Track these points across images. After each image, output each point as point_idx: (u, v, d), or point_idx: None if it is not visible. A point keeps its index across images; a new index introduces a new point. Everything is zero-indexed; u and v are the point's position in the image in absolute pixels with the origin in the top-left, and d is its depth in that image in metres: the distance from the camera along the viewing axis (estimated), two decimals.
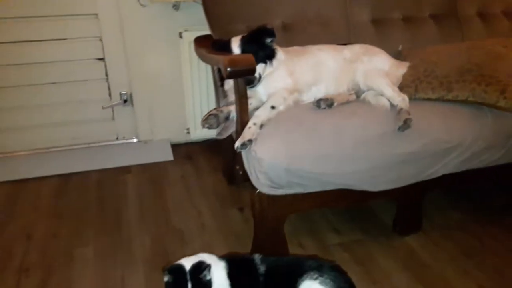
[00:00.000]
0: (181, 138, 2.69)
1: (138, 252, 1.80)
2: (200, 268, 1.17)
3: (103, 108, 2.56)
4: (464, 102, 1.68)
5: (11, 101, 2.42)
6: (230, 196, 2.22)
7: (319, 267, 1.22)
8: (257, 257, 1.27)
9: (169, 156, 2.57)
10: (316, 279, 1.20)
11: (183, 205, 2.13)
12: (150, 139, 2.68)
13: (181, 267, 1.17)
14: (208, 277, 1.18)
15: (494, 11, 2.35)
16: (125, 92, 2.55)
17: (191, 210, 2.09)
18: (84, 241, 1.86)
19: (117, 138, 2.67)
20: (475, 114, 1.69)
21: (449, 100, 1.70)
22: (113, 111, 2.60)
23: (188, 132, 2.61)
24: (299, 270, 1.22)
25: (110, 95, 2.55)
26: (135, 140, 2.69)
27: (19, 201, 2.15)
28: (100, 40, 2.40)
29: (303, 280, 1.20)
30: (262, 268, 1.24)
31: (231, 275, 1.22)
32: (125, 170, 2.44)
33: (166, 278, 1.17)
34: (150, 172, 2.42)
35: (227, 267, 1.24)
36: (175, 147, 2.67)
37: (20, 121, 2.48)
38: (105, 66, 2.47)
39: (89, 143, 2.63)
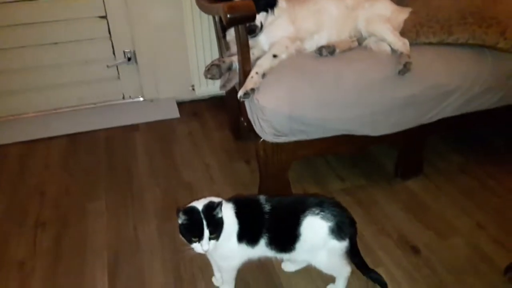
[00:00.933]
0: (187, 95, 2.72)
1: (149, 204, 1.88)
2: (213, 206, 1.22)
3: (107, 67, 2.57)
4: (465, 44, 1.69)
5: (14, 63, 2.44)
6: (236, 150, 2.27)
7: (320, 203, 1.28)
8: (262, 197, 1.32)
9: (176, 114, 2.61)
10: (317, 214, 1.26)
11: (191, 160, 2.19)
12: (156, 97, 2.71)
13: (194, 208, 1.23)
14: (220, 215, 1.23)
15: None
16: (128, 50, 2.55)
17: (199, 164, 2.15)
18: (96, 195, 1.94)
19: (123, 97, 2.71)
20: (475, 56, 1.70)
21: (449, 44, 1.70)
22: (118, 70, 2.62)
23: (193, 89, 2.64)
24: (302, 207, 1.27)
25: (114, 53, 2.56)
26: (141, 99, 2.72)
27: (31, 160, 2.22)
28: None
29: (305, 216, 1.26)
30: (267, 207, 1.29)
31: (239, 214, 1.28)
32: (133, 128, 2.49)
33: (180, 220, 1.22)
34: (158, 130, 2.47)
35: (235, 207, 1.29)
36: (181, 104, 2.70)
37: (25, 83, 2.51)
38: (108, 24, 2.46)
39: (95, 103, 2.66)
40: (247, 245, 1.30)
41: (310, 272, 1.45)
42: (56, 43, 2.44)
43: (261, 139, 1.63)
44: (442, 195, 1.85)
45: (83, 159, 2.22)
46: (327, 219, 1.26)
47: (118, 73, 2.63)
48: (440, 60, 1.67)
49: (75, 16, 2.40)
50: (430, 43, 1.72)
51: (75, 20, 2.41)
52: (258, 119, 1.56)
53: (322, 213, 1.26)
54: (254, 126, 1.61)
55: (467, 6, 1.72)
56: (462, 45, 1.70)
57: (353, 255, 1.35)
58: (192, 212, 1.22)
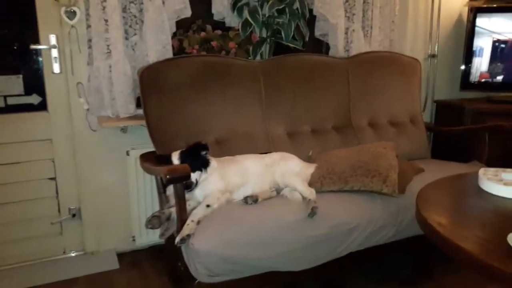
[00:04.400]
0: (127, 246, 2.86)
1: None
2: None
3: (51, 224, 2.72)
4: (358, 191, 2.13)
5: None
6: None
7: None
8: None
9: (115, 265, 2.71)
10: None
11: None
12: (97, 250, 2.83)
13: None
14: None
15: (381, 121, 2.98)
16: (74, 207, 2.75)
17: None
18: None
19: (64, 252, 2.80)
20: (367, 200, 2.13)
21: (346, 191, 2.14)
22: (61, 226, 2.76)
23: (134, 240, 2.81)
24: None
25: (59, 210, 2.73)
26: (82, 252, 2.82)
27: None
28: (53, 161, 2.66)
29: None
30: None
31: None
32: (72, 281, 2.54)
33: None
34: (97, 282, 2.54)
35: None
36: (122, 255, 2.82)
37: None
38: (56, 184, 2.69)
39: (35, 260, 2.71)
40: None
41: None
42: (5, 203, 2.59)
43: (197, 281, 1.82)
44: None
45: None
46: None
47: (61, 229, 2.77)
48: (340, 204, 2.08)
49: (26, 179, 2.61)
50: (332, 191, 2.15)
51: (25, 182, 2.62)
52: (193, 262, 1.79)
53: None
54: (190, 269, 1.82)
55: (356, 161, 2.22)
56: (356, 191, 2.14)
57: None
58: None
